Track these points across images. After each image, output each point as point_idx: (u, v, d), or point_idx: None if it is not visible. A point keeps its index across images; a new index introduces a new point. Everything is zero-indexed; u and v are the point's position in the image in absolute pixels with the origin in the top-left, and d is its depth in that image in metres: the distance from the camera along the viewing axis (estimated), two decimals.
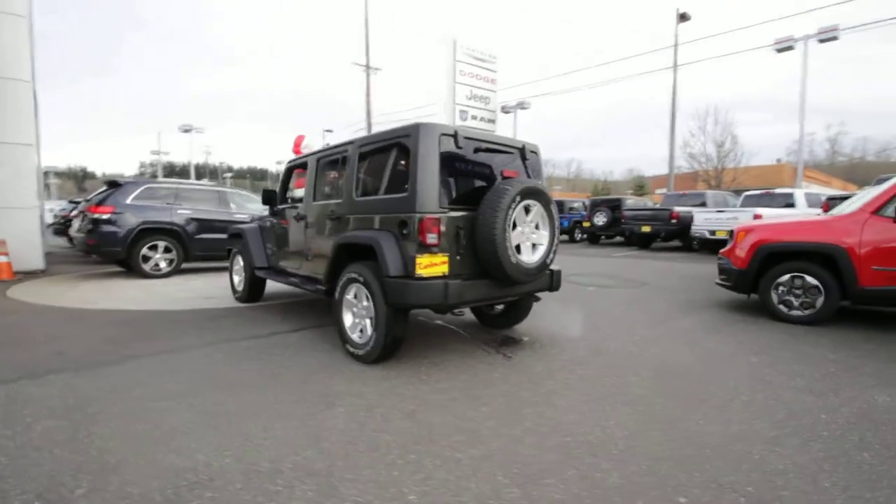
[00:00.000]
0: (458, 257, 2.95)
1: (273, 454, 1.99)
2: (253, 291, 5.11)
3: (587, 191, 50.92)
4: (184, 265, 7.54)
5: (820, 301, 4.20)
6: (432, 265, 2.80)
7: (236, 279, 5.39)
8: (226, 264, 8.86)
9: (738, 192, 15.88)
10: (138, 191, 7.05)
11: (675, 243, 14.26)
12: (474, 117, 14.97)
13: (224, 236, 7.60)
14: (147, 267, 7.00)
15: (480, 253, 2.92)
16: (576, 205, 19.02)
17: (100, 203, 6.75)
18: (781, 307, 4.43)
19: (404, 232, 2.88)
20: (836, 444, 2.09)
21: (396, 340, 3.06)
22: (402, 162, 3.03)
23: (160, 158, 43.96)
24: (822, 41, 14.82)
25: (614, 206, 15.79)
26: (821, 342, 3.70)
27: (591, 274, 7.96)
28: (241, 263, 5.22)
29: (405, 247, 2.86)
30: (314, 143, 21.76)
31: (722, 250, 5.18)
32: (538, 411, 2.44)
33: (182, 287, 6.36)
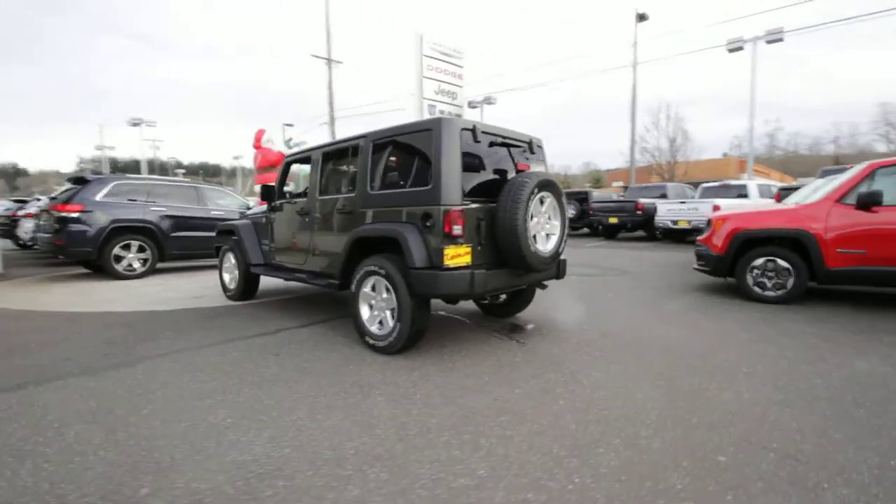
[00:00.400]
0: (478, 248, 3.04)
1: (330, 442, 2.02)
2: (247, 289, 4.99)
3: None
4: (158, 265, 7.21)
5: (791, 282, 4.60)
6: (458, 256, 2.89)
7: (227, 277, 5.24)
8: (203, 263, 8.69)
9: (693, 185, 16.85)
10: (108, 187, 6.67)
11: (640, 233, 14.94)
12: (442, 112, 15.06)
13: (201, 234, 7.41)
14: (120, 267, 6.66)
15: (502, 243, 3.02)
16: None
17: (67, 201, 6.34)
18: (756, 288, 4.82)
19: (427, 224, 2.94)
20: (835, 403, 2.35)
21: (420, 331, 3.12)
22: (422, 155, 3.08)
23: (104, 153, 41.26)
24: (769, 42, 15.90)
25: (582, 198, 16.34)
26: (796, 319, 4.07)
27: (570, 264, 8.24)
28: (233, 261, 5.08)
29: (429, 239, 2.93)
30: (276, 138, 21.14)
31: (699, 238, 5.55)
32: (569, 390, 2.58)
33: (163, 287, 6.10)
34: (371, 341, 3.25)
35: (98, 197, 6.51)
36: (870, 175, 4.28)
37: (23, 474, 1.80)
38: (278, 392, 2.58)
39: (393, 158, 3.35)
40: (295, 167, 4.88)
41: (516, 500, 1.61)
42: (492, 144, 3.28)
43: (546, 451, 1.93)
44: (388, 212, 3.26)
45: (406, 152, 3.26)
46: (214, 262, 8.77)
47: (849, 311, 4.28)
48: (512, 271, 3.20)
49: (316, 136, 54.83)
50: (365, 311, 3.34)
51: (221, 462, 1.87)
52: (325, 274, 3.82)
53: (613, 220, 14.39)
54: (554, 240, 3.35)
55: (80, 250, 6.35)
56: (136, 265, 6.83)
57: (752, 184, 13.16)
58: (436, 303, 4.11)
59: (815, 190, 6.01)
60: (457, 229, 2.86)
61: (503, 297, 4.21)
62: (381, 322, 3.27)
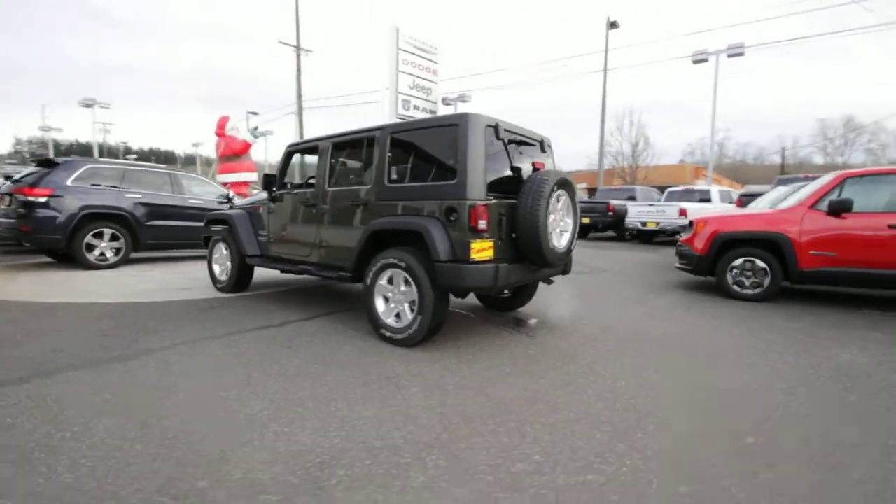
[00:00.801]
0: (499, 242, 3.10)
1: (377, 432, 2.03)
2: (240, 281, 4.84)
3: None
4: (131, 255, 6.84)
5: (767, 281, 4.95)
6: (483, 250, 2.94)
7: (217, 269, 5.06)
8: (178, 254, 8.29)
9: (659, 189, 17.64)
10: (80, 171, 6.24)
11: (609, 234, 15.50)
12: (416, 107, 15.02)
13: (178, 223, 7.10)
14: (91, 257, 6.26)
15: (522, 238, 3.10)
16: None
17: (34, 184, 5.88)
18: (735, 287, 5.15)
19: (451, 218, 2.97)
20: (830, 390, 2.59)
21: (440, 324, 3.16)
22: (445, 150, 3.10)
23: (49, 135, 38.33)
24: (730, 56, 16.84)
25: None
26: (775, 315, 4.39)
27: None
28: (225, 252, 4.91)
29: (453, 232, 2.96)
30: (241, 125, 20.35)
31: (682, 238, 5.85)
32: (590, 381, 2.69)
33: (141, 278, 5.79)
34: (388, 334, 3.25)
35: (68, 181, 6.09)
36: (840, 184, 4.66)
37: (60, 470, 1.71)
38: (307, 384, 2.55)
39: (413, 152, 3.35)
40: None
41: (578, 482, 1.69)
42: (510, 142, 3.35)
43: (590, 437, 2.02)
44: (406, 205, 3.26)
45: (427, 146, 3.27)
46: (190, 252, 8.50)
47: (818, 308, 4.66)
48: (527, 266, 3.29)
49: (283, 126, 53.12)
50: (380, 304, 3.33)
51: (273, 453, 1.85)
52: (335, 266, 3.77)
53: (586, 220, 14.84)
54: (567, 236, 3.46)
55: (48, 237, 5.92)
56: (109, 254, 6.45)
57: (715, 189, 13.96)
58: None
59: (783, 196, 6.48)
60: (482, 224, 2.91)
61: (507, 291, 4.30)
62: (397, 315, 3.27)
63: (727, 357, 3.15)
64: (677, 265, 5.93)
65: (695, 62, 17.94)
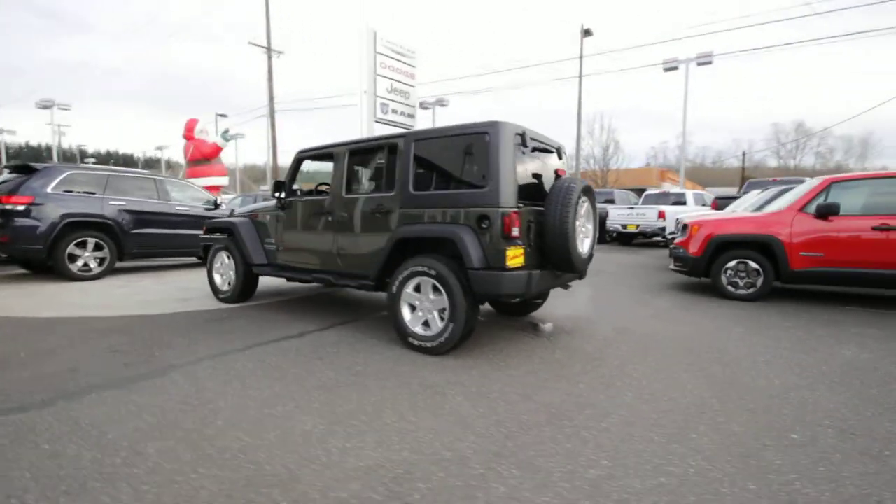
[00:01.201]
0: (528, 249, 3.14)
1: (441, 443, 2.03)
2: (245, 291, 4.70)
3: None
4: (116, 265, 6.53)
5: (760, 281, 5.20)
6: (516, 257, 2.97)
7: (218, 278, 4.90)
8: (163, 263, 7.95)
9: (636, 192, 18.20)
10: (60, 177, 5.91)
11: None
12: (395, 111, 15.01)
13: (164, 231, 6.84)
14: (74, 267, 5.94)
15: (551, 244, 3.15)
16: None
17: (12, 192, 5.53)
18: (730, 287, 5.38)
19: (483, 226, 2.99)
20: (848, 385, 2.75)
21: (471, 331, 3.17)
22: (474, 157, 3.12)
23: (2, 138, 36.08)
24: (700, 64, 17.61)
25: None
26: (771, 314, 4.62)
27: None
28: (228, 261, 4.76)
29: (485, 240, 2.98)
30: (209, 128, 19.71)
31: (677, 241, 6.07)
32: (626, 383, 2.76)
33: (131, 289, 5.54)
34: (416, 342, 3.23)
35: (49, 188, 5.76)
36: (826, 189, 4.95)
37: (125, 500, 1.62)
38: (352, 396, 2.51)
39: (438, 159, 3.36)
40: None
41: (654, 485, 1.73)
42: (534, 150, 3.40)
43: (648, 440, 2.08)
44: (432, 213, 3.26)
45: (454, 154, 3.28)
46: (175, 261, 8.18)
47: (809, 307, 4.93)
48: (551, 272, 3.34)
49: (253, 128, 51.90)
50: (406, 313, 3.32)
51: (344, 469, 1.82)
52: (356, 275, 3.72)
53: None
54: (588, 242, 3.55)
55: (28, 248, 5.58)
56: (93, 265, 6.13)
57: (690, 193, 14.52)
58: None
59: (766, 200, 6.81)
60: (515, 231, 2.94)
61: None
62: (425, 323, 3.26)
63: (742, 356, 3.29)
64: (672, 267, 6.14)
65: (666, 70, 18.67)
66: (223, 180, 17.49)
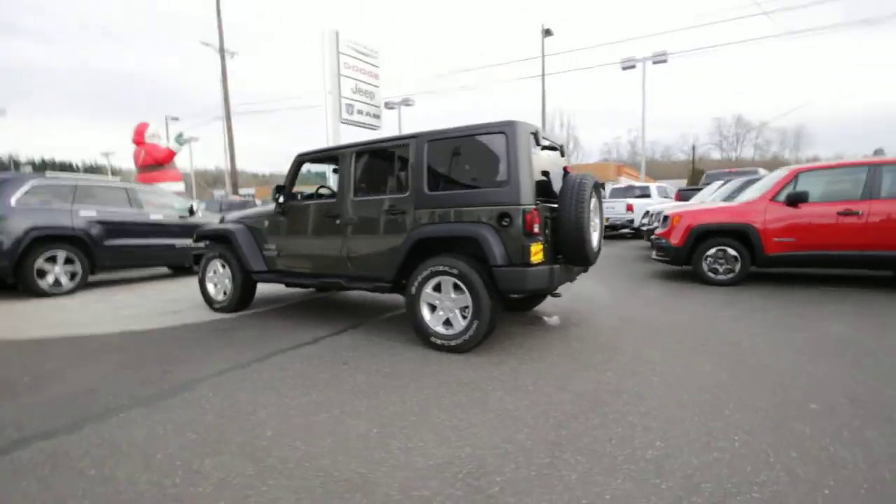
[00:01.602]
0: (546, 245, 3.24)
1: (500, 437, 2.08)
2: (243, 299, 4.56)
3: None
4: (89, 279, 6.14)
5: (738, 267, 5.56)
6: (537, 253, 3.06)
7: (212, 288, 4.71)
8: (136, 274, 7.52)
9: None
10: (25, 188, 5.49)
11: None
12: (360, 111, 14.87)
13: (139, 242, 6.52)
14: (44, 284, 5.54)
15: (568, 239, 3.25)
16: None
17: None
18: (710, 274, 5.71)
19: (503, 223, 3.06)
20: (846, 359, 3.00)
21: (493, 328, 3.23)
22: (491, 156, 3.18)
23: None
24: (655, 63, 18.46)
25: None
26: (752, 297, 4.96)
27: None
28: (222, 270, 4.60)
29: (506, 237, 3.05)
30: (161, 132, 18.83)
31: (658, 231, 6.37)
32: (650, 369, 2.91)
33: (112, 304, 5.23)
34: (439, 341, 3.26)
35: (12, 201, 5.34)
36: (794, 178, 5.36)
37: None
38: (393, 398, 2.52)
39: (452, 159, 3.39)
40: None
41: (711, 460, 1.85)
42: (544, 148, 3.50)
43: (689, 420, 2.21)
44: (448, 212, 3.29)
45: (469, 153, 3.33)
46: (149, 272, 7.77)
47: (785, 288, 5.32)
48: (565, 266, 3.46)
49: (208, 132, 49.74)
50: (426, 312, 3.34)
51: (415, 469, 1.83)
52: (369, 277, 3.70)
53: None
54: (596, 236, 3.68)
55: None
56: (64, 280, 5.74)
57: (653, 186, 15.21)
58: None
59: (735, 190, 7.26)
60: (536, 227, 3.03)
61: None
62: (446, 322, 3.30)
63: (742, 338, 3.52)
64: (654, 256, 6.45)
65: (624, 68, 19.44)
66: (179, 186, 16.66)
